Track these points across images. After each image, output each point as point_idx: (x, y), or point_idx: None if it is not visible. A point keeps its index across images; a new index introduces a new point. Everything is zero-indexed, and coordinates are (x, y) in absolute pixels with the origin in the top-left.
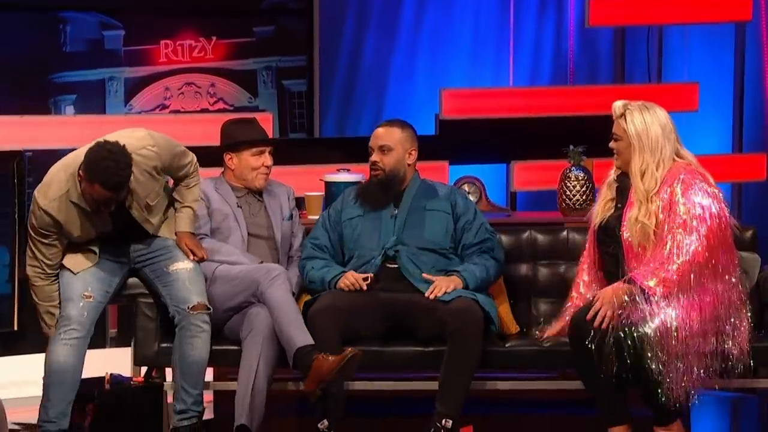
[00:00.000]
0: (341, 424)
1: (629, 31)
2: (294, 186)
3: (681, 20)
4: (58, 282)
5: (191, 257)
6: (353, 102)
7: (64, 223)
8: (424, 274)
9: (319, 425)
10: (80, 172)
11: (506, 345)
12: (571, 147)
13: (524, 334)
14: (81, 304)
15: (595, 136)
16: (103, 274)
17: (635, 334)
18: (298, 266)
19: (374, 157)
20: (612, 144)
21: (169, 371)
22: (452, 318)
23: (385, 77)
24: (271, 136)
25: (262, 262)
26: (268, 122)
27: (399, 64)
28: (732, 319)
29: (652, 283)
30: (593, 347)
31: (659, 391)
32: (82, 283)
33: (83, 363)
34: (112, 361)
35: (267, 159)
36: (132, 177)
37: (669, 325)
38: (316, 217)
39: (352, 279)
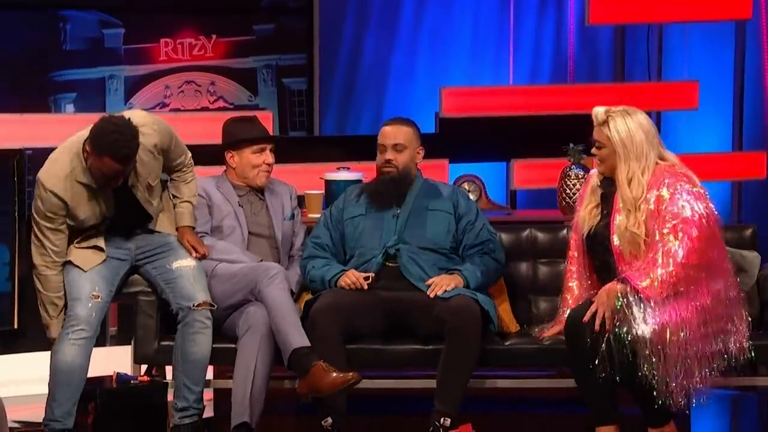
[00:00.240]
0: (342, 422)
1: (629, 29)
2: (294, 184)
3: (681, 18)
4: (64, 278)
5: (193, 254)
6: (353, 100)
7: (70, 202)
8: (427, 282)
9: (322, 422)
10: (87, 147)
11: (505, 343)
12: (571, 145)
13: (524, 332)
14: (90, 304)
15: None
16: (108, 273)
17: (629, 337)
18: (300, 265)
19: (388, 156)
20: (595, 151)
21: (169, 369)
22: (451, 315)
23: (385, 75)
24: (271, 134)
25: (261, 261)
26: (268, 120)
27: (399, 62)
28: (733, 316)
29: (645, 284)
30: (589, 347)
31: (654, 394)
32: (90, 282)
33: (89, 363)
34: (112, 360)
35: (268, 157)
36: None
37: (663, 329)
38: (316, 216)
39: (352, 278)
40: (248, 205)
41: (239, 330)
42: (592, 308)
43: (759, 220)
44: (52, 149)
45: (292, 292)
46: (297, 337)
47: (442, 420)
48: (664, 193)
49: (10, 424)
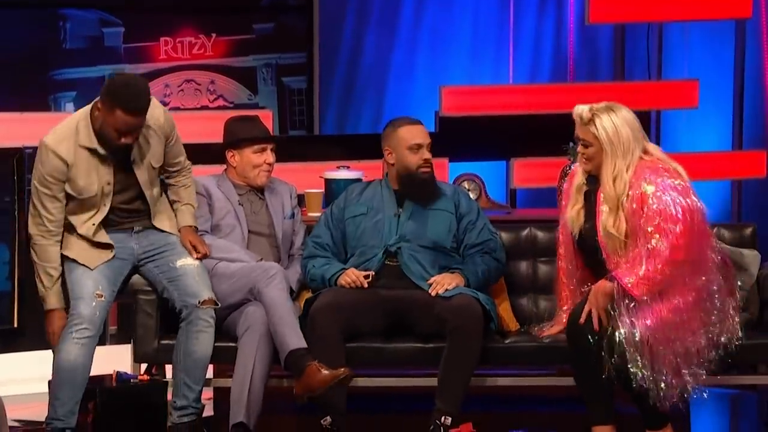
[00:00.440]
0: (341, 421)
1: (629, 28)
2: (294, 183)
3: (681, 17)
4: (68, 277)
5: (194, 255)
6: (353, 99)
7: (71, 165)
8: (428, 281)
9: (322, 422)
10: (98, 105)
11: (506, 341)
12: (571, 144)
13: (524, 331)
14: (93, 303)
15: None
16: (111, 273)
17: (617, 337)
18: (301, 265)
19: (427, 155)
20: (581, 150)
21: (168, 368)
22: (452, 315)
23: (385, 74)
24: (271, 133)
25: (261, 260)
26: (268, 119)
27: (399, 61)
28: (718, 304)
29: (631, 281)
30: (589, 346)
31: (649, 395)
32: (93, 282)
33: (92, 362)
34: (112, 359)
35: (269, 156)
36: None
37: (650, 328)
38: (316, 215)
39: (353, 276)
40: (248, 204)
41: (239, 329)
42: (586, 309)
43: (759, 218)
44: None
45: (291, 291)
46: (294, 339)
47: (442, 419)
48: (647, 189)
49: (10, 423)
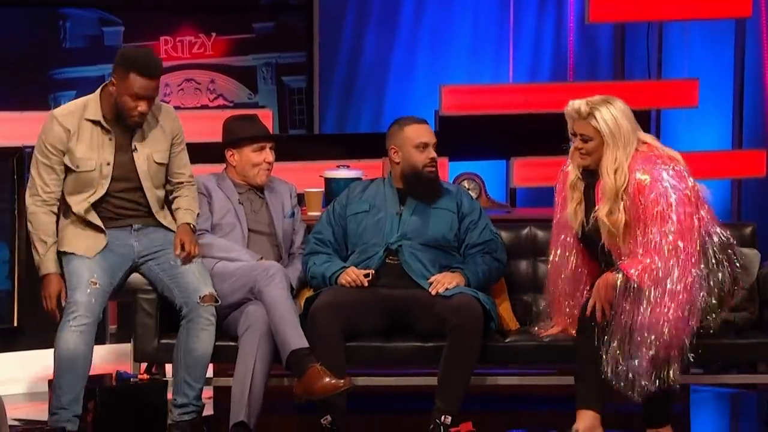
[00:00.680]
0: (341, 420)
1: (629, 27)
2: (294, 182)
3: (681, 16)
4: (65, 269)
5: (177, 250)
6: (353, 98)
7: (72, 135)
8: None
9: (322, 421)
10: (113, 78)
11: (505, 341)
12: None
13: (524, 330)
14: (88, 290)
15: None
16: (108, 265)
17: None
18: (302, 261)
19: (433, 154)
20: (580, 145)
21: (168, 368)
22: (452, 314)
23: (385, 74)
24: (271, 132)
25: (262, 259)
26: (267, 119)
27: (399, 60)
28: (704, 291)
29: (636, 272)
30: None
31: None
32: (88, 270)
33: (93, 348)
34: (112, 358)
35: (268, 155)
36: (149, 116)
37: (653, 320)
38: (316, 214)
39: (353, 275)
40: (248, 203)
41: (239, 329)
42: (591, 302)
43: (759, 218)
44: None
45: (292, 289)
46: (296, 338)
47: (442, 418)
48: (642, 178)
49: (10, 422)
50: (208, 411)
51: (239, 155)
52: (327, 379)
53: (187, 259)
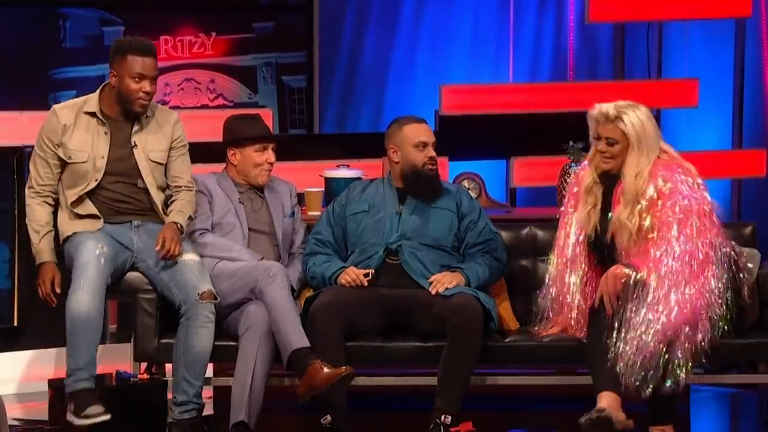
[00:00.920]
0: (341, 420)
1: (629, 26)
2: (294, 182)
3: (681, 16)
4: (67, 254)
5: (158, 246)
6: (353, 98)
7: (68, 127)
8: (429, 279)
9: (322, 420)
10: (114, 70)
11: (505, 340)
12: (571, 143)
13: (524, 330)
14: (96, 252)
15: None
16: (111, 241)
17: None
18: (302, 261)
19: (432, 153)
20: (605, 148)
21: (168, 367)
22: (452, 313)
23: (385, 73)
24: (271, 132)
25: (262, 259)
26: (267, 118)
27: (399, 60)
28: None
29: (646, 269)
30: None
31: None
32: (93, 239)
33: (104, 309)
34: (112, 358)
35: (270, 155)
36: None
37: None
38: (316, 214)
39: (353, 275)
40: (249, 202)
41: (239, 328)
42: (598, 294)
43: (759, 217)
44: None
45: (292, 289)
46: (297, 338)
47: (442, 417)
48: (662, 186)
49: (10, 422)
50: (209, 411)
51: (241, 155)
52: (327, 370)
53: (166, 257)
